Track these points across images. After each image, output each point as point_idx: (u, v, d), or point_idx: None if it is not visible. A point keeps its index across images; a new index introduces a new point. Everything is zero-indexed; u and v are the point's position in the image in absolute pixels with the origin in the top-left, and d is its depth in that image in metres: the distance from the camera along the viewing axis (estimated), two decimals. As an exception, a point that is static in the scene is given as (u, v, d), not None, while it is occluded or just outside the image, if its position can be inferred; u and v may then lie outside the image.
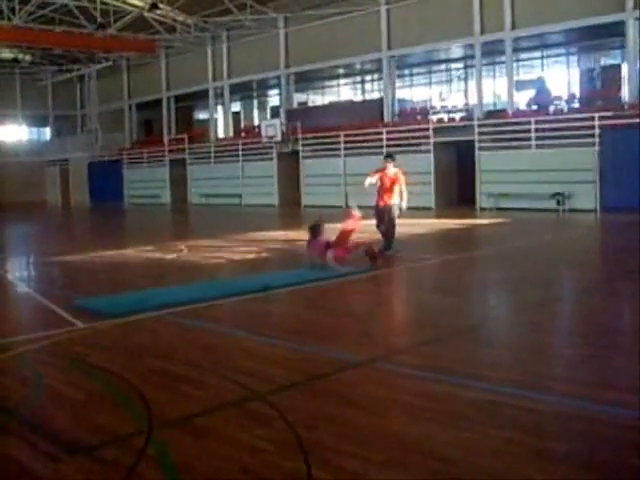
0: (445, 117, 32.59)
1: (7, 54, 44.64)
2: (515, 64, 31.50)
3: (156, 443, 4.68)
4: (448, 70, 38.69)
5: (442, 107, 36.30)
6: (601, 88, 29.76)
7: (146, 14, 35.69)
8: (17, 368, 6.92)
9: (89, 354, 7.13)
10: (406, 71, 38.33)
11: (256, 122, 44.81)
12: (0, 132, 49.84)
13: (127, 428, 5.03)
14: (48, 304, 9.84)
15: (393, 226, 14.30)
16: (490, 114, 30.92)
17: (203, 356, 6.98)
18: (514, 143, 27.14)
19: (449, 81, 39.66)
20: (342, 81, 42.76)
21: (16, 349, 7.45)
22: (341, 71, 39.66)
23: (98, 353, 7.19)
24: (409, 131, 30.69)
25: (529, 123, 26.71)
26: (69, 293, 10.59)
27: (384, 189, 14.35)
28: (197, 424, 5.08)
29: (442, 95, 39.59)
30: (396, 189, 14.28)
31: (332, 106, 40.05)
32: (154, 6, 34.27)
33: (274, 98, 44.57)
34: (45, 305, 9.86)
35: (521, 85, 33.72)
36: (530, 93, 31.98)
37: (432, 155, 29.46)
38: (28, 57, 45.61)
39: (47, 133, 53.35)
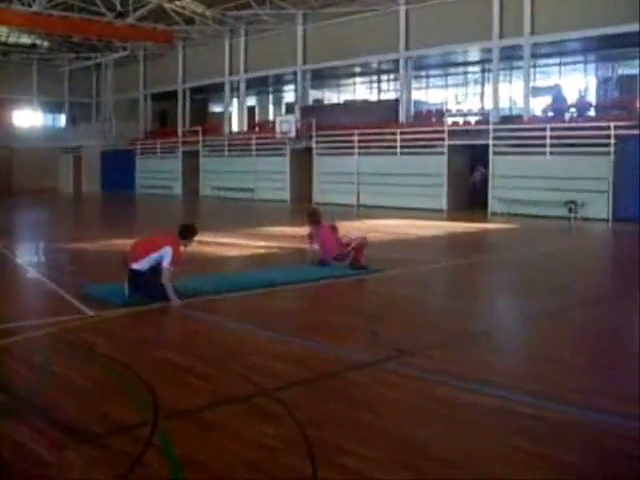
0: (460, 120, 32.48)
1: (26, 39, 44.75)
2: (532, 70, 31.35)
3: (161, 434, 4.68)
4: (465, 73, 38.55)
5: (458, 110, 36.18)
6: (618, 97, 29.63)
7: (165, 5, 35.68)
8: (25, 353, 6.95)
9: (97, 342, 7.14)
10: (423, 72, 38.21)
11: (271, 117, 44.77)
12: (15, 117, 49.93)
13: (133, 418, 5.04)
14: (58, 290, 9.87)
15: None
16: (505, 119, 30.79)
17: (211, 349, 6.99)
18: (528, 149, 27.03)
19: (465, 84, 39.52)
20: (358, 80, 42.65)
21: (25, 334, 7.47)
22: (357, 70, 39.52)
23: (106, 342, 7.20)
24: (424, 133, 30.63)
25: (544, 130, 26.60)
26: (79, 280, 10.60)
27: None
28: (203, 417, 5.08)
29: (458, 98, 39.48)
30: None
31: (347, 105, 39.95)
32: (174, -3, 34.30)
33: (289, 94, 44.49)
34: (55, 291, 9.89)
35: (537, 91, 33.59)
36: (546, 100, 31.85)
37: (446, 157, 29.38)
38: (46, 43, 45.70)
39: (62, 120, 53.43)
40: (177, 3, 35.63)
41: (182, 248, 9.09)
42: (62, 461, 4.31)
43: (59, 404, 5.37)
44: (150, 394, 5.47)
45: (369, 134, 32.33)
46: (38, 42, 44.89)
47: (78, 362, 6.54)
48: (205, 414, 5.14)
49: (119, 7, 34.64)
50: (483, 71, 36.50)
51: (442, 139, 29.53)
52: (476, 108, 36.03)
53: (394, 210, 27.91)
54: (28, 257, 14.78)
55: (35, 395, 5.61)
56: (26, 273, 12.48)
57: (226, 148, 40.11)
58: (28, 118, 50.47)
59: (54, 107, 52.26)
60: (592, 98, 31.46)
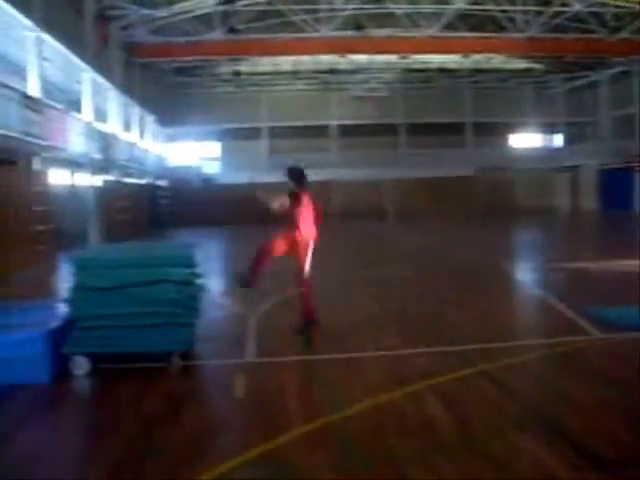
0: None
1: (521, 64, 46.31)
2: None
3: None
4: None
5: None
6: None
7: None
8: (535, 371, 7.14)
9: (605, 364, 7.05)
10: None
11: None
12: (512, 139, 51.98)
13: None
14: (562, 310, 9.93)
15: None
16: None
17: None
18: None
19: None
20: None
21: (534, 352, 7.69)
22: None
23: (613, 363, 7.07)
24: None
25: None
26: (582, 301, 10.51)
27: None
28: None
29: None
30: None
31: None
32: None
33: None
34: (559, 310, 9.97)
35: None
36: None
37: None
38: (540, 66, 46.71)
39: (557, 140, 54.03)
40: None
41: None
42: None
43: (568, 423, 5.43)
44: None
45: None
46: (532, 66, 46.12)
47: (584, 382, 6.52)
48: None
49: (612, 22, 33.96)
50: None
51: None
52: None
53: None
54: (530, 275, 15.18)
55: (545, 412, 5.73)
56: (529, 291, 12.85)
57: None
58: (524, 140, 52.11)
59: (549, 128, 53.08)
60: None
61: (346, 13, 33.16)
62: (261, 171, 43.17)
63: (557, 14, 34.41)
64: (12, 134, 16.98)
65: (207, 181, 44.26)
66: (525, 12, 34.39)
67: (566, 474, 4.46)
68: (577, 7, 33.16)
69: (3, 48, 22.37)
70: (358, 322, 9.67)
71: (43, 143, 19.34)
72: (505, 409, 5.85)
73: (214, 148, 49.41)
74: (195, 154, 48.08)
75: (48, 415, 6.25)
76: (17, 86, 18.81)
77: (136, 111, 35.54)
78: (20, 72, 22.50)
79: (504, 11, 34.54)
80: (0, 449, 5.22)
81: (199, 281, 7.96)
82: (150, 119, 40.07)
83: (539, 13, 34.28)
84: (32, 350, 6.90)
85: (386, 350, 7.95)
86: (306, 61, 42.99)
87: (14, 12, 18.90)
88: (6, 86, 17.31)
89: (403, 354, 7.76)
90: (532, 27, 34.59)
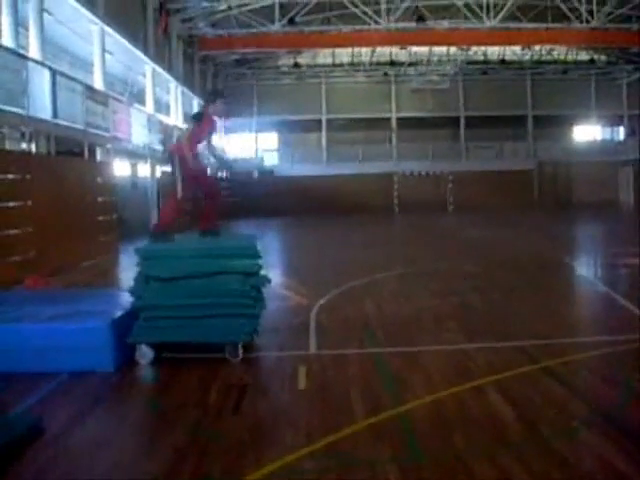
0: None
1: (583, 56, 45.39)
2: None
3: None
4: None
5: None
6: None
7: None
8: (600, 368, 7.00)
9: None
10: None
11: None
12: (575, 132, 50.98)
13: None
14: (627, 306, 9.72)
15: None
16: None
17: None
18: None
19: None
20: None
21: (597, 349, 7.54)
22: None
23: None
24: None
25: None
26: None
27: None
28: None
29: None
30: None
31: None
32: None
33: None
34: (624, 307, 9.77)
35: None
36: None
37: None
38: (603, 57, 45.72)
39: (620, 133, 52.88)
40: None
41: None
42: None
43: (638, 424, 5.30)
44: None
45: None
46: (595, 57, 45.17)
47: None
48: None
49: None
50: None
51: None
52: None
53: None
54: (593, 270, 14.93)
55: (613, 411, 5.60)
56: (593, 286, 12.63)
57: None
58: (586, 133, 51.14)
59: (612, 121, 51.95)
60: None
61: (406, 4, 32.90)
62: (319, 163, 43.41)
63: (622, 4, 33.63)
64: (77, 126, 17.27)
65: (266, 173, 44.57)
66: (589, 2, 33.63)
67: (637, 477, 4.35)
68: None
69: (68, 42, 22.77)
70: (419, 316, 9.63)
71: (107, 135, 19.66)
72: (571, 407, 5.75)
73: (272, 140, 49.50)
74: (254, 146, 48.32)
75: (112, 403, 6.37)
76: (82, 79, 19.16)
77: (196, 103, 35.80)
78: (84, 65, 22.91)
79: (567, 1, 33.83)
80: (66, 436, 5.31)
81: (262, 272, 7.98)
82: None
83: (603, 3, 33.54)
84: (97, 338, 7.00)
85: (447, 344, 7.91)
86: (365, 53, 42.92)
87: (78, 6, 19.18)
88: (71, 78, 17.62)
89: (464, 348, 7.70)
90: (596, 17, 33.87)
